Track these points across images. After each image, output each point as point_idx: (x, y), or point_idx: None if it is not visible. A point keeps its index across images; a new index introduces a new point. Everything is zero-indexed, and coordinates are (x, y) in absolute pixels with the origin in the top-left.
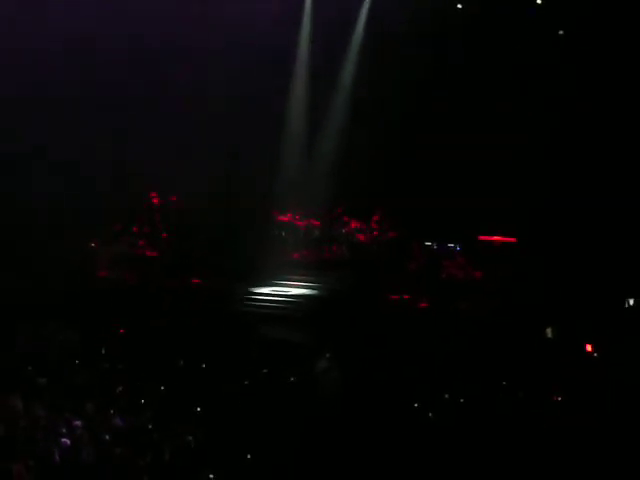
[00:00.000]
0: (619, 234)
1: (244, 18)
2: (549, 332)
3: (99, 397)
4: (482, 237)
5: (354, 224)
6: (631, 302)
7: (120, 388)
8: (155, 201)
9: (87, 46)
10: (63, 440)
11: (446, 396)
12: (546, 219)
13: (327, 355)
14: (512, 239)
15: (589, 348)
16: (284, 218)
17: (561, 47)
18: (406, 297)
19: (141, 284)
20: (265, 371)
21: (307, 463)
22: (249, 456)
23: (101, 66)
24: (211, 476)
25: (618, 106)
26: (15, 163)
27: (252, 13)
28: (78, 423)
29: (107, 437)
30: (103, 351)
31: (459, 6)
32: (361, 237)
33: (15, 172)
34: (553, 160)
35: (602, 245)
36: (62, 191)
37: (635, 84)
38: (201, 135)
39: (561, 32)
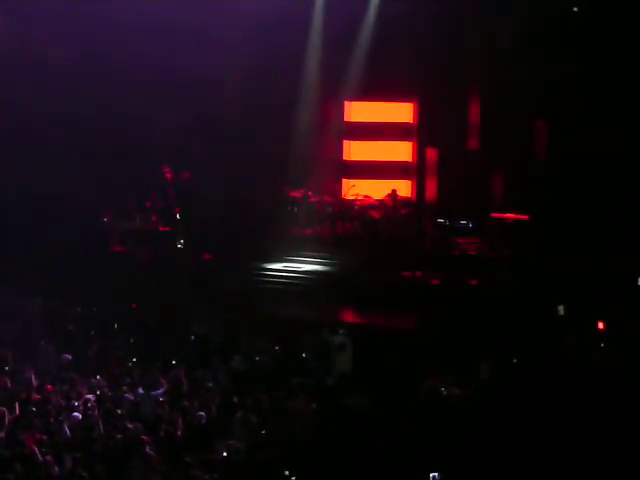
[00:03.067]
0: (634, 211)
1: None
2: (561, 309)
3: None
4: (494, 214)
5: (367, 200)
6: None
7: (131, 362)
8: (168, 176)
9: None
10: (74, 414)
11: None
12: (560, 195)
13: (341, 331)
14: (524, 216)
15: (601, 326)
16: (297, 194)
17: None
18: (418, 274)
19: (154, 259)
20: (277, 348)
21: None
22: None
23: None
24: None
25: None
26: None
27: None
28: (90, 397)
29: (119, 412)
30: (116, 326)
31: None
32: (374, 213)
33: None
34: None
35: (616, 222)
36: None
37: None
38: (215, 115)
39: None
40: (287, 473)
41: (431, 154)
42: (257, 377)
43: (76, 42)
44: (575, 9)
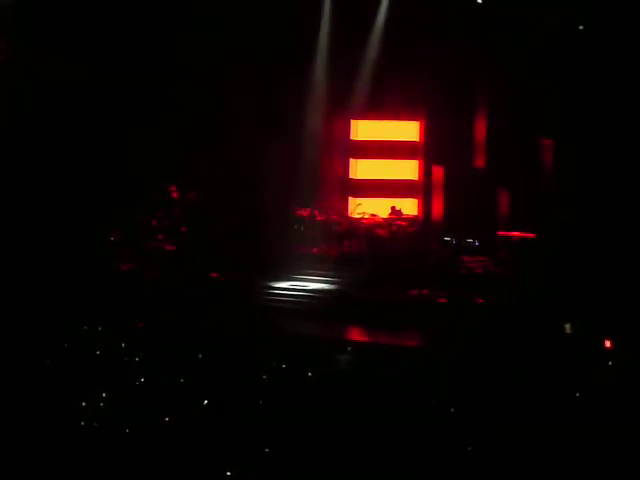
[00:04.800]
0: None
1: None
2: (568, 328)
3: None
4: (501, 232)
5: (374, 219)
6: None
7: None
8: (174, 195)
9: None
10: None
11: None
12: (567, 213)
13: (348, 349)
14: (531, 234)
15: (608, 344)
16: (303, 213)
17: None
18: (425, 292)
19: (161, 278)
20: (284, 366)
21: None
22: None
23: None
24: None
25: None
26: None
27: None
28: None
29: None
30: (123, 345)
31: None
32: (380, 232)
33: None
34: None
35: (622, 238)
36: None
37: None
38: (222, 130)
39: None
40: None
41: (437, 172)
42: None
43: None
44: (581, 27)
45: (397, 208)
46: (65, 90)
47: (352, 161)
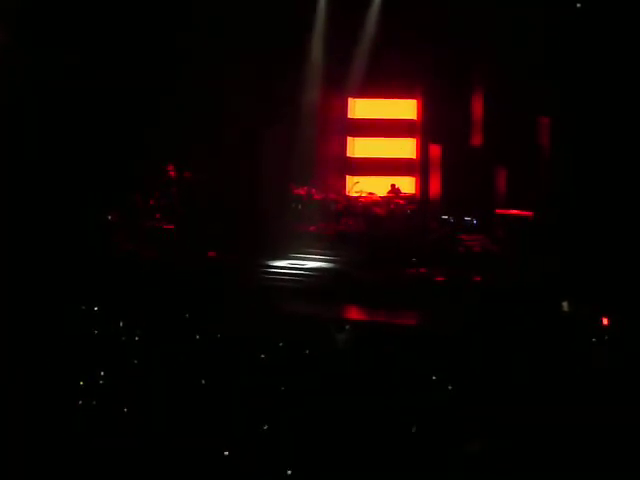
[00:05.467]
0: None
1: None
2: (565, 305)
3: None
4: (499, 210)
5: (371, 197)
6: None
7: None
8: (172, 174)
9: None
10: None
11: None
12: (565, 192)
13: (346, 327)
14: (529, 213)
15: (605, 322)
16: (301, 191)
17: None
18: (423, 270)
19: (159, 257)
20: (282, 344)
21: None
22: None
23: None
24: None
25: None
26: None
27: None
28: None
29: None
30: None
31: None
32: (378, 210)
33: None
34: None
35: (621, 219)
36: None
37: None
38: (219, 111)
39: None
40: None
41: (435, 151)
42: None
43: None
44: (578, 5)
45: (396, 186)
46: (63, 82)
47: (349, 139)
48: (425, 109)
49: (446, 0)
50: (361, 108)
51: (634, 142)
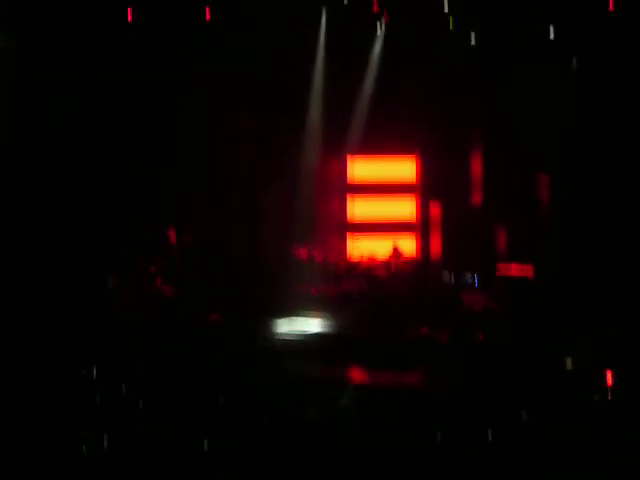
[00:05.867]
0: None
1: None
2: (568, 363)
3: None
4: (500, 268)
5: (372, 257)
6: None
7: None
8: (172, 238)
9: None
10: None
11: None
12: (565, 248)
13: (348, 389)
14: (529, 271)
15: (609, 378)
16: (301, 252)
17: None
18: (425, 330)
19: (161, 321)
20: (284, 406)
21: None
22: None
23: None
24: None
25: None
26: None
27: None
28: None
29: None
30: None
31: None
32: (379, 271)
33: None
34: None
35: (620, 273)
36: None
37: None
38: (219, 172)
39: None
40: None
41: (434, 209)
42: None
43: None
44: (574, 63)
45: (396, 246)
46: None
47: (349, 199)
48: (424, 168)
49: (444, 60)
50: (360, 168)
51: (634, 198)
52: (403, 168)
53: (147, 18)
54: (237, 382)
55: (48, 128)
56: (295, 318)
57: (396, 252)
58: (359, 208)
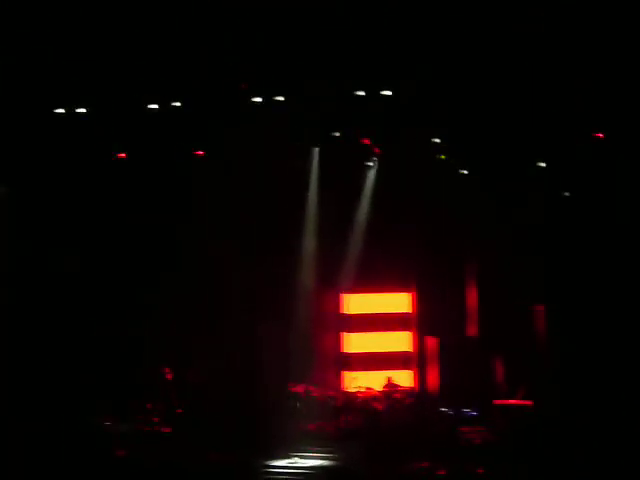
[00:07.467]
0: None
1: None
2: None
3: None
4: (497, 401)
5: (369, 392)
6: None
7: None
8: (169, 377)
9: None
10: None
11: None
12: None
13: None
14: (528, 402)
15: None
16: (298, 389)
17: None
18: (424, 465)
19: (158, 461)
20: None
21: None
22: None
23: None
24: None
25: None
26: None
27: None
28: None
29: None
30: None
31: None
32: (377, 405)
33: None
34: None
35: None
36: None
37: None
38: (213, 310)
39: None
40: None
41: (431, 343)
42: None
43: None
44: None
45: (392, 380)
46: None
47: (345, 335)
48: (419, 302)
49: (435, 192)
50: (355, 303)
51: (628, 328)
52: (398, 303)
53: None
54: None
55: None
56: (294, 454)
57: (393, 385)
58: (355, 343)
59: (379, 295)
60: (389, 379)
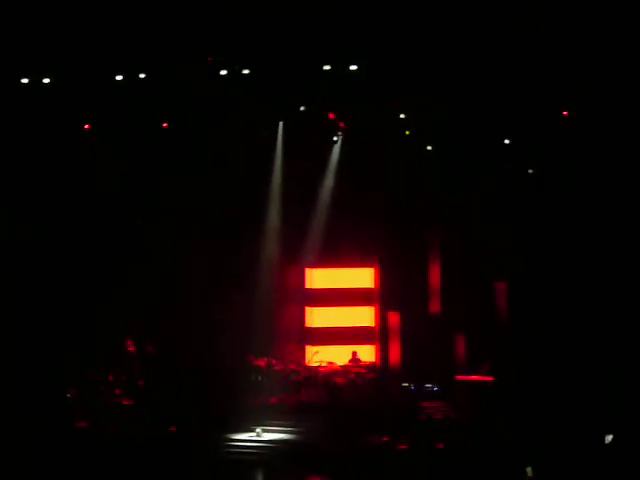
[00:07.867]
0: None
1: None
2: (529, 471)
3: None
4: (459, 377)
5: (331, 366)
6: (609, 438)
7: None
8: (131, 349)
9: None
10: None
11: None
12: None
13: None
14: (489, 378)
15: None
16: (260, 362)
17: None
18: (385, 439)
19: (119, 433)
20: None
21: None
22: None
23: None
24: None
25: None
26: None
27: None
28: None
29: None
30: None
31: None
32: (338, 379)
33: None
34: None
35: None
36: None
37: None
38: (176, 282)
39: None
40: None
41: (393, 318)
42: None
43: None
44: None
45: (357, 355)
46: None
47: (308, 309)
48: (382, 277)
49: (400, 167)
50: (318, 278)
51: (589, 303)
52: (362, 278)
53: None
54: None
55: None
56: (256, 428)
57: (355, 360)
58: (318, 318)
59: (342, 270)
60: (354, 353)
